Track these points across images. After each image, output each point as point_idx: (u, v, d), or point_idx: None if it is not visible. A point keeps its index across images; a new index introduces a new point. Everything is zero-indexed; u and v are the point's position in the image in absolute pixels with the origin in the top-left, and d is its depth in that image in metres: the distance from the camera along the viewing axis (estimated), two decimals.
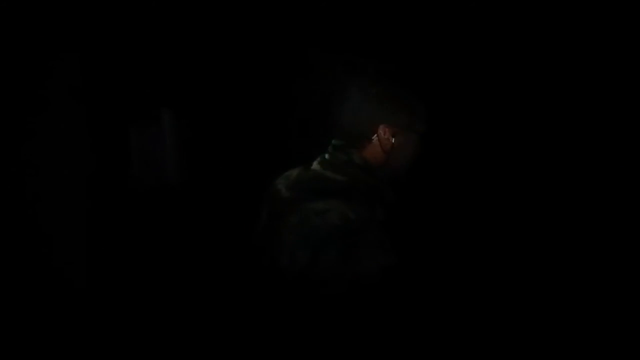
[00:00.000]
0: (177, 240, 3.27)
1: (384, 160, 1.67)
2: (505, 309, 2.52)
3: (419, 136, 1.71)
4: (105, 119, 2.69)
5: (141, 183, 3.18)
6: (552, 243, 2.57)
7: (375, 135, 1.64)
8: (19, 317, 2.33)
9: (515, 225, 2.75)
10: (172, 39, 3.15)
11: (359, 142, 1.65)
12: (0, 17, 2.15)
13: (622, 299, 2.24)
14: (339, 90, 1.71)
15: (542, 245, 2.65)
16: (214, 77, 3.78)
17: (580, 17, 2.68)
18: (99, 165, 2.58)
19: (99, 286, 2.51)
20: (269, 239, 1.62)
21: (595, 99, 2.64)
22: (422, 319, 1.65)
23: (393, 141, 1.64)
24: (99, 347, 2.44)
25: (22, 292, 2.36)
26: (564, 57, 2.73)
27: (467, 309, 2.50)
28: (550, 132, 2.85)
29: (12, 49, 2.23)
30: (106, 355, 2.47)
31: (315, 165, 1.66)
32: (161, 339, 2.67)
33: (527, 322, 2.38)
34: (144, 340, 2.62)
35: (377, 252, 1.48)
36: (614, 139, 2.58)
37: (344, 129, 1.66)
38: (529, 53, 2.81)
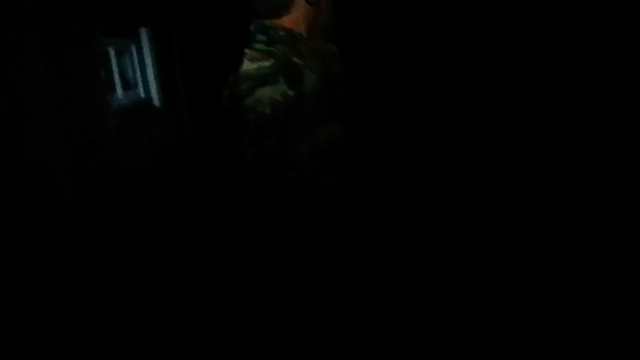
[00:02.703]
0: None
1: (312, 19, 1.57)
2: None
3: None
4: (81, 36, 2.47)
5: (123, 101, 3.03)
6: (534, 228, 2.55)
7: None
8: None
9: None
10: None
11: (285, 5, 1.54)
12: None
13: (622, 299, 2.21)
14: None
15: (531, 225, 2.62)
16: None
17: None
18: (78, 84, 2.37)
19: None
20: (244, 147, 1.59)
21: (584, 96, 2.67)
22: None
23: None
24: None
25: None
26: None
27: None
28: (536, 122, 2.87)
29: None
30: None
31: (244, 60, 1.55)
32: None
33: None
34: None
35: (317, 124, 1.44)
36: (613, 139, 2.60)
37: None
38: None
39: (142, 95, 3.38)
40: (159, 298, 2.55)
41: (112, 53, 3.15)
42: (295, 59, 1.52)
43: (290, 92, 1.43)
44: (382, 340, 1.98)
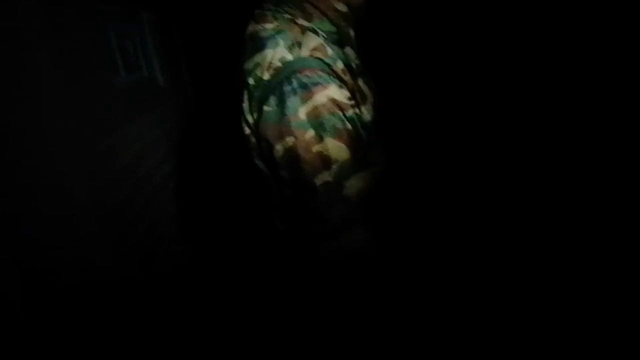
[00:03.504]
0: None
1: None
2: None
3: None
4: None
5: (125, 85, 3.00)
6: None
7: None
8: None
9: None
10: None
11: None
12: None
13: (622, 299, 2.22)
14: None
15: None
16: None
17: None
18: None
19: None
20: None
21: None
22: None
23: None
24: None
25: None
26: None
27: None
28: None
29: None
30: None
31: (250, 22, 1.59)
32: None
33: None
34: None
35: (313, 88, 1.41)
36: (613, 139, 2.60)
37: None
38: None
39: (147, 77, 3.34)
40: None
41: (114, 37, 3.08)
42: (301, 21, 1.51)
43: (289, 57, 1.44)
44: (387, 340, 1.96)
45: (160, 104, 3.32)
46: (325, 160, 1.39)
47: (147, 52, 3.39)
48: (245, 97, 1.52)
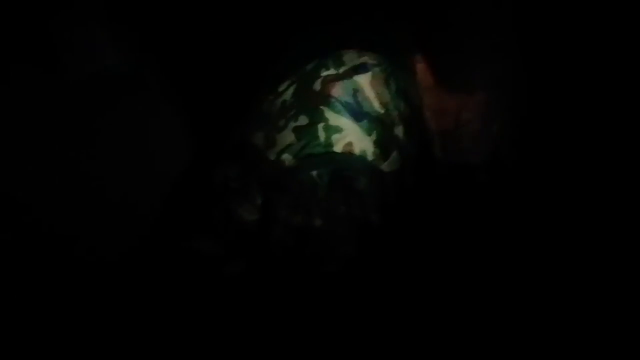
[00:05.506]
0: None
1: None
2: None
3: None
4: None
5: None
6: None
7: None
8: None
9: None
10: None
11: None
12: None
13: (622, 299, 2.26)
14: None
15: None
16: None
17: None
18: None
19: None
20: None
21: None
22: None
23: None
24: None
25: None
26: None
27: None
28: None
29: None
30: None
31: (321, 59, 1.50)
32: None
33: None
34: None
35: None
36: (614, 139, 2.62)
37: None
38: None
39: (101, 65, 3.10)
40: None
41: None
42: (368, 94, 1.38)
43: (318, 149, 1.37)
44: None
45: (123, 96, 3.12)
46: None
47: (93, 33, 3.10)
48: None
